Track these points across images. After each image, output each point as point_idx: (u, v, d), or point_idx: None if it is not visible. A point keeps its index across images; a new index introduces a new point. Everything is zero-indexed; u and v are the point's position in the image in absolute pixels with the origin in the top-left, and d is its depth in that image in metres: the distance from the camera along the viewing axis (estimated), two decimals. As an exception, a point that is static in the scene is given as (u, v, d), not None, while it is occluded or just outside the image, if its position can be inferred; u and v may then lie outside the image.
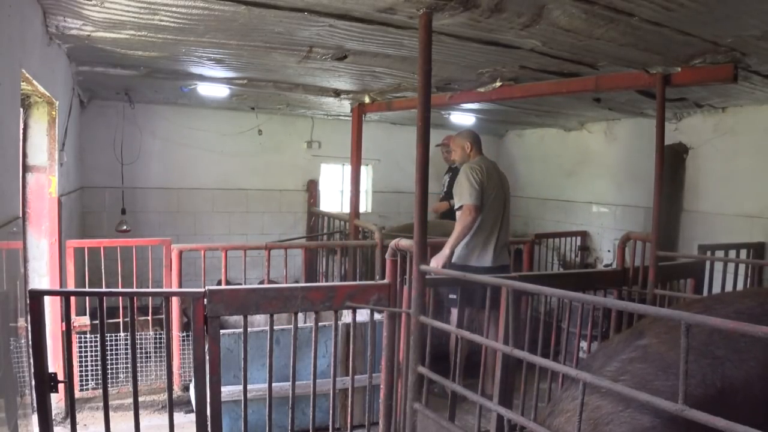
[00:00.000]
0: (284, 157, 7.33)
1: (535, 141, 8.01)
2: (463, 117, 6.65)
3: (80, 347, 3.98)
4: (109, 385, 2.52)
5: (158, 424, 3.66)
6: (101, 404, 2.50)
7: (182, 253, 4.13)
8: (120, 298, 3.93)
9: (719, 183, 5.40)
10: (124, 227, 6.13)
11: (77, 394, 3.33)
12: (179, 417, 3.73)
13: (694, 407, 1.58)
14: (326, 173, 7.83)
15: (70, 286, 3.78)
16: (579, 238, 6.92)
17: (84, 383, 4.02)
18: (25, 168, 3.40)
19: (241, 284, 4.05)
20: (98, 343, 2.95)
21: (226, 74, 4.67)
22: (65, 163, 4.13)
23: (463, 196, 4.10)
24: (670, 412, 1.63)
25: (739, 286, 4.55)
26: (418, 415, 2.90)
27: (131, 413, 2.53)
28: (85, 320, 3.98)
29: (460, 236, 4.05)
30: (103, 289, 3.03)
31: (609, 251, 6.64)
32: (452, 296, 4.08)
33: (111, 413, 2.52)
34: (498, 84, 4.39)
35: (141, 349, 4.15)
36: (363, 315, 3.44)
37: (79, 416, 3.68)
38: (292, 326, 2.88)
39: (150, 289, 4.02)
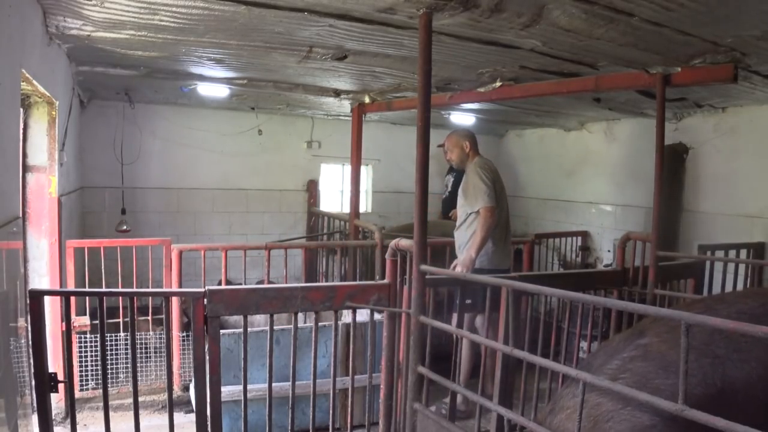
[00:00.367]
0: (284, 157, 7.32)
1: (535, 141, 8.01)
2: (463, 117, 6.65)
3: (80, 347, 3.98)
4: (109, 385, 2.52)
5: (158, 424, 3.66)
6: (101, 404, 2.50)
7: (182, 253, 4.13)
8: (120, 298, 3.93)
9: (719, 183, 5.40)
10: (124, 227, 6.13)
11: (77, 394, 3.32)
12: (179, 417, 3.73)
13: (694, 406, 1.58)
14: (326, 173, 7.83)
15: (70, 286, 3.79)
16: (579, 238, 6.91)
17: (84, 383, 4.02)
18: (25, 168, 3.40)
19: (241, 284, 4.05)
20: (98, 343, 2.94)
21: (226, 74, 4.67)
22: (65, 163, 4.13)
23: (481, 198, 3.93)
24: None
25: (739, 287, 4.55)
26: (418, 415, 2.90)
27: (131, 413, 2.54)
28: (85, 320, 3.98)
29: (485, 239, 3.89)
30: (103, 289, 3.03)
31: (609, 251, 6.64)
32: (468, 301, 3.99)
33: (111, 413, 2.52)
34: (498, 84, 4.39)
35: (141, 349, 4.15)
36: (363, 315, 3.44)
37: (79, 416, 3.68)
38: (292, 326, 2.88)
39: (150, 289, 4.02)
